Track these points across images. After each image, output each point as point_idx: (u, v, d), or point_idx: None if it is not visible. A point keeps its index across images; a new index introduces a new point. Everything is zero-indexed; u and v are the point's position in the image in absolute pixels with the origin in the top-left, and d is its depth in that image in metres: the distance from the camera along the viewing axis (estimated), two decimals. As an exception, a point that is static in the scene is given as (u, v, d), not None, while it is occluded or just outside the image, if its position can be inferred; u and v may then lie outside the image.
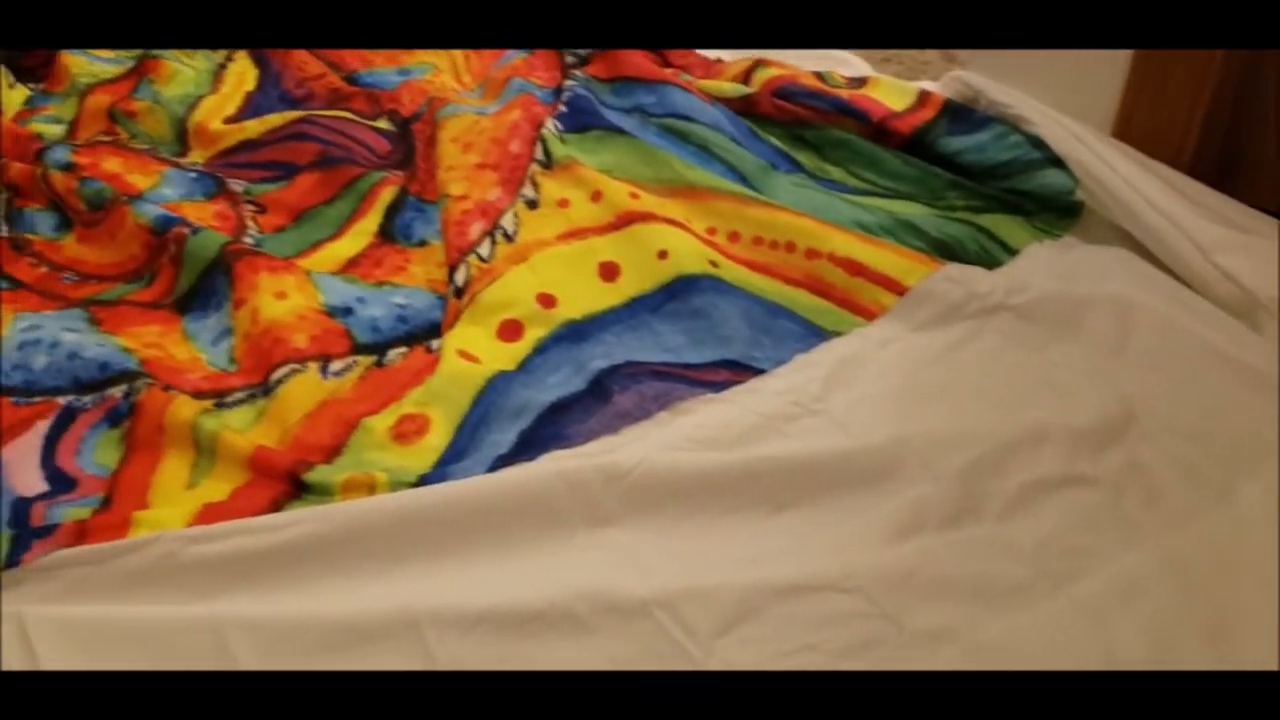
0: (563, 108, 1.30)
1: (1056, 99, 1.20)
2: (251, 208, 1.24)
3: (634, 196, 1.16)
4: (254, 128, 1.32)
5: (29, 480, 0.94)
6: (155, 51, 1.43)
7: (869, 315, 1.06)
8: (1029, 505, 0.88)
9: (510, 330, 1.07)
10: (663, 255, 1.10)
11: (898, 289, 1.07)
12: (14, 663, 0.77)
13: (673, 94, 1.31)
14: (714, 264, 1.10)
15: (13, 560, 0.84)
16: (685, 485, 0.89)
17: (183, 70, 1.40)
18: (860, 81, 1.32)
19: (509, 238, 1.15)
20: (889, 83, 1.31)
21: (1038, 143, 1.18)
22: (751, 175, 1.23)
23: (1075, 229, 1.16)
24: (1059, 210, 1.16)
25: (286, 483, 0.91)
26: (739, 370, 1.01)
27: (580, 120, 1.28)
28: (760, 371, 1.01)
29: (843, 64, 1.41)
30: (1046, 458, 0.91)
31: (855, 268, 1.08)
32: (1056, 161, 1.17)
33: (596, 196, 1.17)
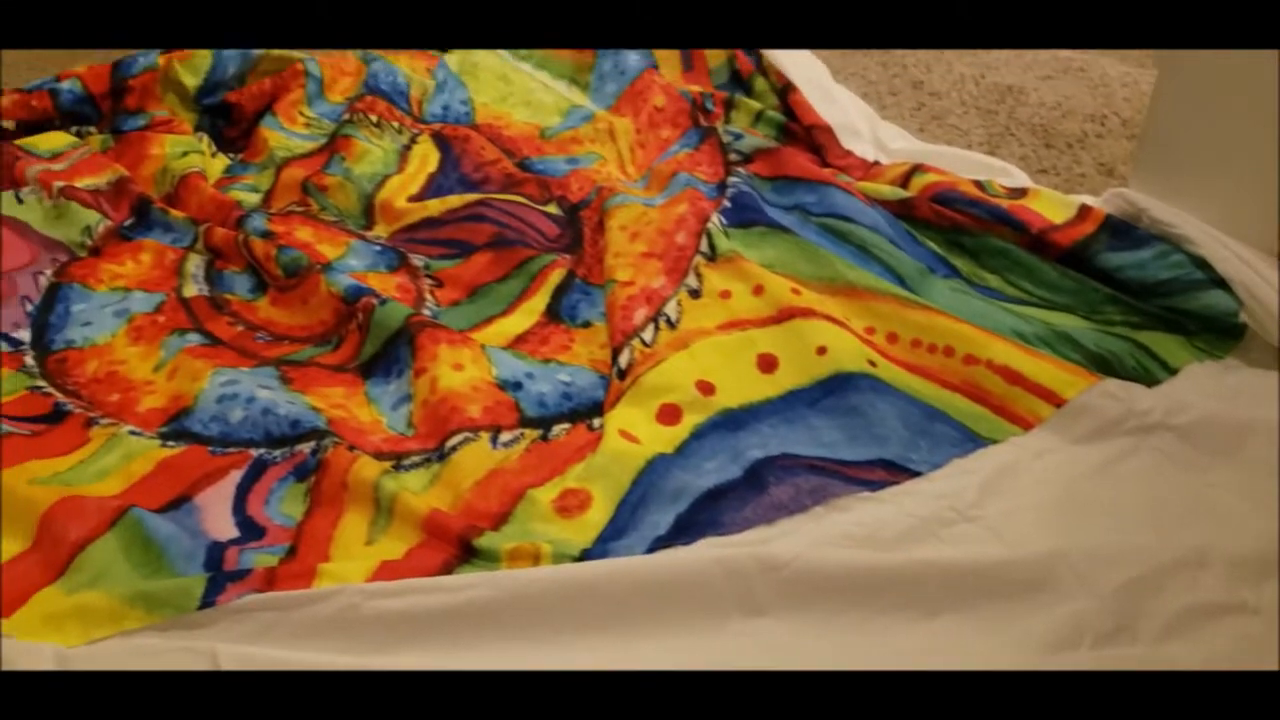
0: (727, 203, 1.35)
1: (1222, 221, 1.20)
2: (430, 282, 1.32)
3: (795, 292, 1.20)
4: (435, 207, 1.40)
5: (221, 526, 1.01)
6: (347, 130, 1.53)
7: (1025, 425, 1.07)
8: (1188, 629, 0.87)
9: (669, 414, 1.11)
10: (822, 351, 1.13)
11: (1055, 400, 1.07)
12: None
13: (833, 194, 1.35)
14: (872, 363, 1.12)
15: (208, 600, 0.90)
16: (840, 582, 0.91)
17: (372, 150, 1.50)
18: (1020, 192, 1.34)
19: (671, 325, 1.20)
20: (1049, 195, 1.33)
21: (1201, 263, 1.18)
22: (909, 278, 1.25)
23: (1237, 351, 1.15)
24: (1221, 331, 1.16)
25: (457, 546, 0.96)
26: (895, 471, 1.03)
27: (744, 216, 1.33)
28: (916, 473, 1.02)
29: (1002, 173, 1.43)
30: (1207, 582, 0.90)
31: (1013, 376, 1.10)
32: (1220, 283, 1.16)
33: (758, 290, 1.22)
